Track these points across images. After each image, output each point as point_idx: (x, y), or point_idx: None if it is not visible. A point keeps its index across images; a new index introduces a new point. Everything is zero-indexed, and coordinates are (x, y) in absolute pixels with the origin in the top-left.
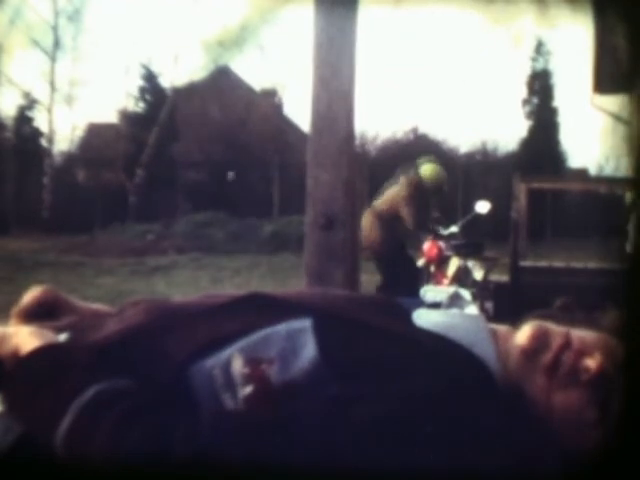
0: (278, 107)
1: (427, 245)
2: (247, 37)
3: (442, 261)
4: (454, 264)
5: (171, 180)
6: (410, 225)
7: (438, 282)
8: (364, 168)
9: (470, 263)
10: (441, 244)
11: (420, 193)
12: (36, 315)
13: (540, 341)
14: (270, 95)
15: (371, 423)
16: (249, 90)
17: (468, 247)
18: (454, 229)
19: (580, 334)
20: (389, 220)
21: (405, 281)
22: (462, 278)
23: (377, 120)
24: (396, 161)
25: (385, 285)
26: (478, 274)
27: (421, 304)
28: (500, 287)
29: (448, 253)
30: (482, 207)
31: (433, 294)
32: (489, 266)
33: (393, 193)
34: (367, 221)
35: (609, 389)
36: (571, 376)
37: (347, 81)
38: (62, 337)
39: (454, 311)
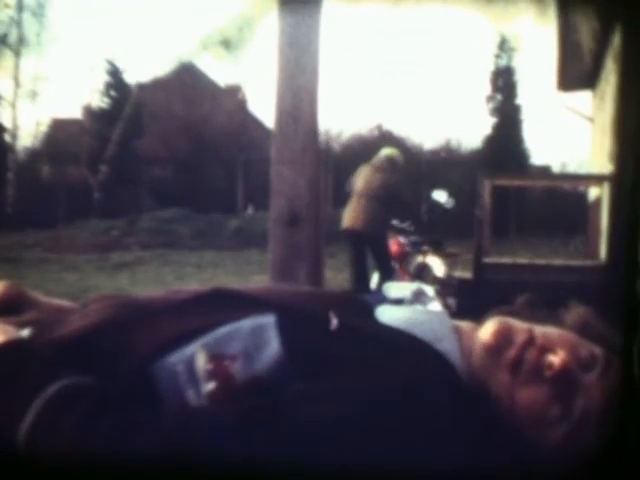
0: (242, 103)
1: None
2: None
3: (403, 257)
4: (414, 260)
5: (135, 176)
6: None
7: (401, 278)
8: (328, 165)
9: (430, 259)
10: (401, 240)
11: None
12: None
13: (503, 337)
14: (234, 91)
15: (334, 420)
16: (213, 86)
17: (428, 243)
18: (407, 224)
19: (543, 330)
20: (380, 201)
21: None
22: (422, 274)
23: (341, 117)
24: (360, 158)
25: (381, 268)
26: (439, 270)
27: (384, 300)
28: (464, 283)
29: (409, 250)
30: (439, 196)
31: (396, 290)
32: (450, 262)
33: (376, 176)
34: (359, 203)
35: (572, 386)
36: (534, 373)
37: (311, 78)
38: (25, 332)
39: (417, 307)
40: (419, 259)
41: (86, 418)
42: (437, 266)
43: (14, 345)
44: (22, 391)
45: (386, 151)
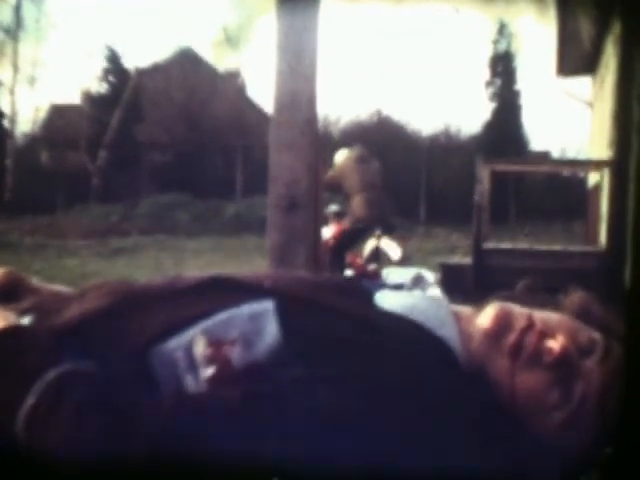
0: (241, 88)
1: (332, 227)
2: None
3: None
4: (369, 245)
5: (135, 162)
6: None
7: (352, 263)
8: (327, 151)
9: (384, 243)
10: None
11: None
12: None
13: (503, 322)
14: (233, 76)
15: (333, 405)
16: (212, 71)
17: (381, 228)
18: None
19: (543, 316)
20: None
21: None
22: (377, 258)
23: (340, 103)
24: (359, 144)
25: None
26: (395, 253)
27: (383, 286)
28: (447, 268)
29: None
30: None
31: (395, 276)
32: (404, 246)
33: (366, 167)
34: (368, 196)
35: (571, 371)
36: (533, 358)
37: (310, 63)
38: (24, 319)
39: (416, 293)
40: (372, 243)
41: (84, 405)
42: (393, 249)
43: (13, 331)
44: (21, 377)
45: (348, 149)
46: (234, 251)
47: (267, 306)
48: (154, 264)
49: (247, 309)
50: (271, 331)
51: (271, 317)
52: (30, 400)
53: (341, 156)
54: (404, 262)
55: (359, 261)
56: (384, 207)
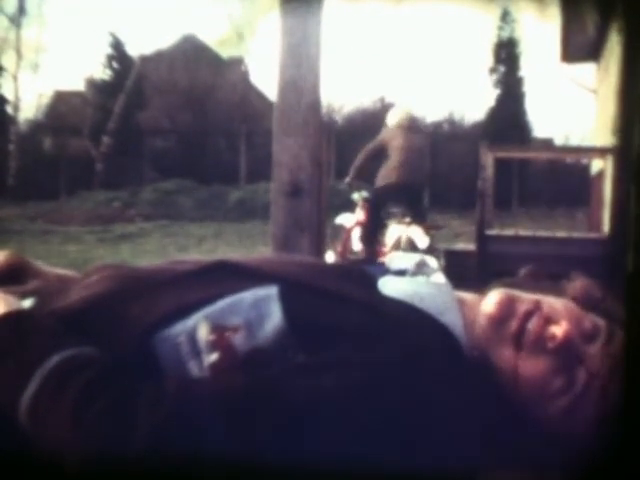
0: (245, 75)
1: (361, 213)
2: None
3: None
4: (394, 232)
5: (138, 148)
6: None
7: (378, 252)
8: (331, 137)
9: (412, 230)
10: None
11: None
12: (1, 279)
13: (506, 308)
14: (236, 63)
15: (337, 390)
16: (216, 58)
17: (410, 214)
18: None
19: (547, 301)
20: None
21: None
22: (404, 247)
23: (344, 89)
24: (363, 130)
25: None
26: (421, 242)
27: (387, 272)
28: (450, 254)
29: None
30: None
31: (399, 261)
32: (432, 234)
33: (415, 134)
34: (410, 157)
35: (575, 357)
36: (537, 344)
37: (314, 50)
38: (27, 303)
39: (420, 279)
40: (399, 229)
41: (86, 390)
42: (419, 237)
43: (16, 316)
44: (23, 363)
45: (406, 111)
46: (237, 237)
47: (270, 292)
48: (158, 250)
49: (251, 295)
50: (274, 317)
51: (274, 302)
52: (32, 386)
53: (393, 118)
54: (431, 252)
55: (384, 249)
56: (417, 172)
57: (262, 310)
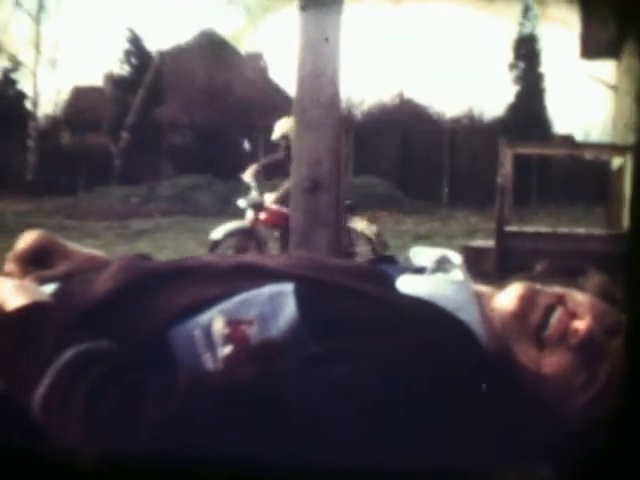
0: (263, 70)
1: (272, 209)
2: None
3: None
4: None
5: (156, 143)
6: None
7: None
8: (350, 132)
9: (355, 223)
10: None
11: None
12: (31, 260)
13: (527, 302)
14: (255, 58)
15: (350, 383)
16: (234, 53)
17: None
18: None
19: (570, 295)
20: None
21: None
22: (355, 238)
23: (363, 85)
24: (381, 126)
25: None
26: (369, 231)
27: (405, 270)
28: (469, 251)
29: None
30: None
31: (420, 257)
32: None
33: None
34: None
35: (597, 352)
36: (559, 339)
37: (333, 44)
38: (50, 288)
39: (438, 276)
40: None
41: (100, 384)
42: (366, 227)
43: (34, 307)
44: (39, 355)
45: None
46: None
47: (286, 287)
48: (175, 245)
49: (266, 290)
50: (289, 311)
51: (290, 298)
52: (46, 381)
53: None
54: (380, 238)
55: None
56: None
57: (277, 305)
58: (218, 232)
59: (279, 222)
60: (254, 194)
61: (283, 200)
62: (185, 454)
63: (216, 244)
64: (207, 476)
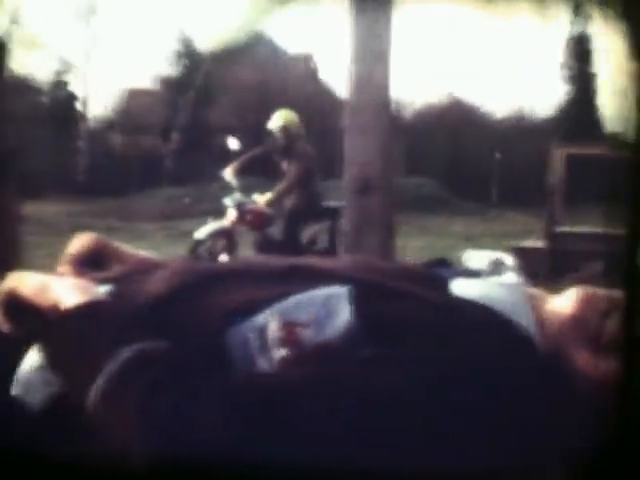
0: (313, 72)
1: (258, 210)
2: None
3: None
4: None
5: (206, 145)
6: None
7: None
8: (400, 133)
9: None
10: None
11: None
12: (84, 263)
13: (586, 307)
14: (305, 60)
15: (406, 389)
16: (284, 55)
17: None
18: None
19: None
20: None
21: None
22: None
23: (413, 85)
24: (431, 127)
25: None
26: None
27: (459, 273)
28: (520, 252)
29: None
30: (232, 144)
31: (474, 260)
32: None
33: None
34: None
35: None
36: (617, 344)
37: (384, 46)
38: (105, 289)
39: (492, 279)
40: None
41: (154, 386)
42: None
43: (91, 306)
44: (94, 354)
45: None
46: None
47: (340, 290)
48: None
49: (320, 292)
50: (344, 314)
51: (344, 300)
52: (100, 381)
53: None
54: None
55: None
56: None
57: (331, 308)
58: (201, 232)
59: (261, 225)
60: (238, 194)
61: (272, 204)
62: (239, 455)
63: (198, 244)
64: (260, 477)
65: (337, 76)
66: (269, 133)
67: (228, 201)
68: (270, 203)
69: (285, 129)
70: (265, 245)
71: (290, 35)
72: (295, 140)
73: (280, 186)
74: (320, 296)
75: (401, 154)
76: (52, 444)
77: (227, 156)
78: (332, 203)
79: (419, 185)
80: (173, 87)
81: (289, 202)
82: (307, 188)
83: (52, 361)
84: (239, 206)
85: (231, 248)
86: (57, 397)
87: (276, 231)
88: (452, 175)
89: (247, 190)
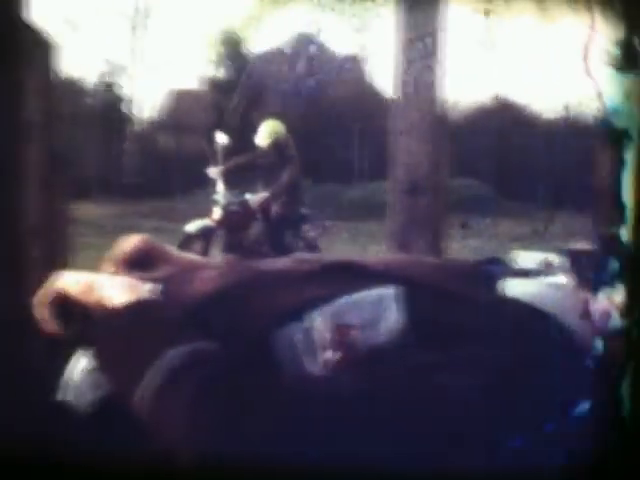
0: (360, 72)
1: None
2: None
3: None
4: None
5: (253, 146)
6: None
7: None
8: (447, 133)
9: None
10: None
11: None
12: (131, 263)
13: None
14: (353, 61)
15: (456, 390)
16: (332, 56)
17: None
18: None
19: None
20: None
21: None
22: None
23: (459, 85)
24: (478, 127)
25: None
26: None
27: (509, 272)
28: (572, 254)
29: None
30: (220, 138)
31: (524, 260)
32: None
33: None
34: None
35: None
36: None
37: (432, 46)
38: (154, 288)
39: (543, 279)
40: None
41: (203, 385)
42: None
43: (141, 304)
44: (143, 353)
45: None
46: (351, 236)
47: (390, 291)
48: None
49: (370, 294)
50: (393, 316)
51: (394, 302)
52: (148, 380)
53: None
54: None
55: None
56: None
57: (381, 309)
58: (192, 226)
59: (242, 227)
60: (228, 193)
61: (264, 207)
62: (286, 456)
63: (189, 238)
64: (306, 478)
65: (385, 77)
66: (257, 147)
67: (220, 198)
68: (264, 205)
69: (274, 145)
70: (236, 247)
71: (338, 36)
72: (284, 149)
73: (275, 189)
74: (370, 298)
75: (447, 155)
76: (102, 446)
77: (216, 152)
78: (303, 210)
79: (465, 186)
80: (219, 88)
81: (276, 207)
82: (295, 194)
83: (101, 360)
84: (227, 206)
85: (206, 249)
86: (106, 400)
87: (252, 233)
88: (499, 176)
89: (233, 187)
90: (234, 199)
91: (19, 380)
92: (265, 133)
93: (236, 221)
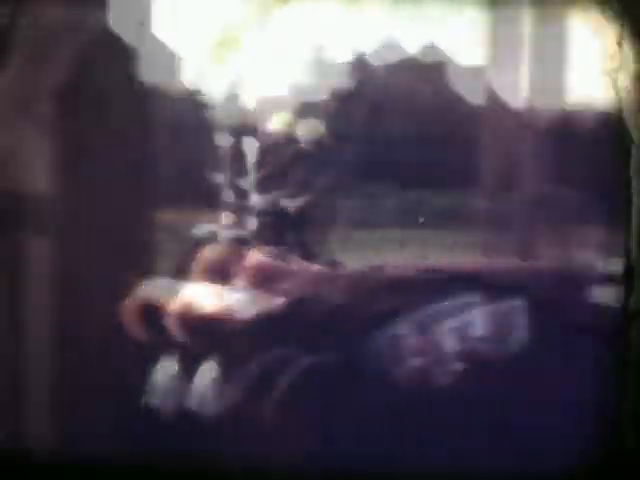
0: (446, 80)
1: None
2: None
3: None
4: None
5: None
6: None
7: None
8: (534, 139)
9: None
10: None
11: None
12: (214, 272)
13: None
14: (437, 68)
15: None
16: (417, 63)
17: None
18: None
19: None
20: None
21: None
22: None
23: (547, 91)
24: (561, 133)
25: None
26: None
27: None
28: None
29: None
30: (249, 144)
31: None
32: None
33: None
34: None
35: None
36: None
37: (519, 51)
38: (243, 297)
39: None
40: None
41: (292, 391)
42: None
43: (227, 312)
44: (230, 358)
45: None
46: (440, 243)
47: (515, 304)
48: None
49: (495, 307)
50: (521, 329)
51: (521, 315)
52: (239, 384)
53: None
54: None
55: None
56: None
57: (506, 323)
58: (200, 229)
59: (281, 234)
60: (259, 199)
61: (301, 213)
62: (379, 458)
63: (197, 241)
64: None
65: (473, 84)
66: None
67: (251, 204)
68: (300, 211)
69: (290, 139)
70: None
71: (420, 41)
72: (324, 150)
73: (312, 193)
74: (494, 310)
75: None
76: (224, 453)
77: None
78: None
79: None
80: (343, 98)
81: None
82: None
83: (228, 370)
84: (262, 214)
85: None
86: (230, 409)
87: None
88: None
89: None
90: (268, 207)
91: (124, 390)
92: (276, 122)
93: (272, 230)
